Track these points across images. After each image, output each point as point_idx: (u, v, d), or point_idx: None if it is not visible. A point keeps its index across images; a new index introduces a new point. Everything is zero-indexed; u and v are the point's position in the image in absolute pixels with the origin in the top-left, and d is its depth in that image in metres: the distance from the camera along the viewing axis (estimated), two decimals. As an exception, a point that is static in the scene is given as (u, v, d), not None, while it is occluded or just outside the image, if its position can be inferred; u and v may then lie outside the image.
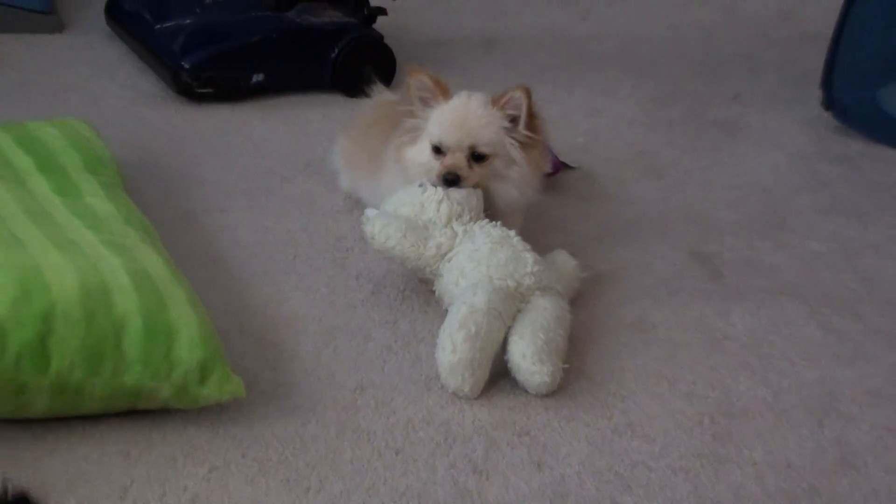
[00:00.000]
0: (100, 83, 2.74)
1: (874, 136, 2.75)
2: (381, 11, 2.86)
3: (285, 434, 1.71)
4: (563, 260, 2.08)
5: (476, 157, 2.07)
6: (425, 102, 2.11)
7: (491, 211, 2.09)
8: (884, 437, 1.82)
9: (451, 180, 2.05)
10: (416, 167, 2.11)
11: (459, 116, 2.08)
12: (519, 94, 2.07)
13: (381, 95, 2.45)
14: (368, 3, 2.86)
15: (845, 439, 1.82)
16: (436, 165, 2.08)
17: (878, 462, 1.77)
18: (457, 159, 2.07)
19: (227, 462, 1.64)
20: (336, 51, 2.77)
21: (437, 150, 2.08)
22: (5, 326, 1.56)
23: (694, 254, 2.28)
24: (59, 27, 2.98)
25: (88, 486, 1.55)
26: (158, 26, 2.78)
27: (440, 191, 2.03)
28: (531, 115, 2.09)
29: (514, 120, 2.08)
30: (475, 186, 2.07)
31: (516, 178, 2.11)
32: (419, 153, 2.11)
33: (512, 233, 2.00)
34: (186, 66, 2.68)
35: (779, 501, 1.68)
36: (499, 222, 2.04)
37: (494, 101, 2.08)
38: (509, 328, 1.87)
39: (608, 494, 1.66)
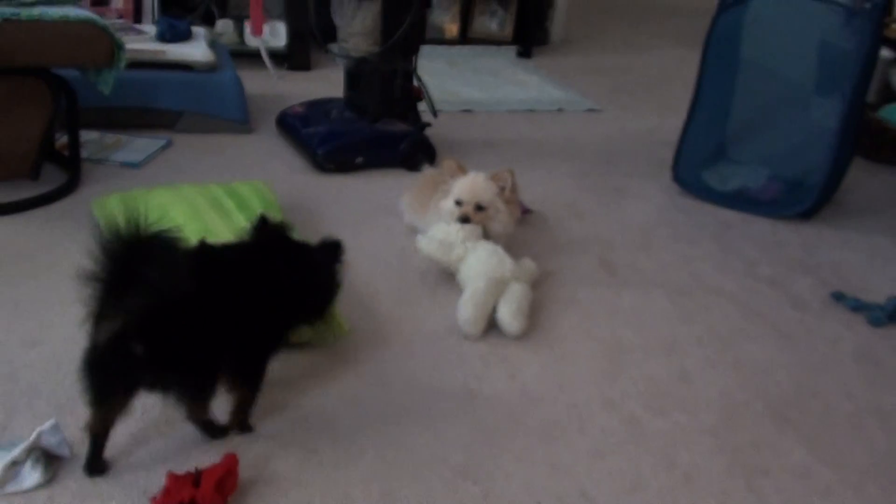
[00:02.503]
0: (272, 162, 2.74)
1: (700, 198, 2.74)
2: (428, 125, 2.86)
3: (372, 357, 1.71)
4: (528, 263, 2.06)
5: (478, 208, 2.07)
6: (452, 176, 2.12)
7: (486, 237, 2.07)
8: (705, 365, 1.81)
9: (464, 220, 2.05)
10: (445, 212, 2.11)
11: (470, 185, 2.08)
12: (507, 174, 2.08)
13: (427, 170, 2.44)
14: (420, 119, 2.86)
15: (684, 365, 1.80)
16: (456, 211, 2.08)
17: (703, 379, 1.76)
18: (468, 209, 2.06)
19: (341, 373, 1.65)
20: (403, 145, 2.76)
21: (457, 203, 2.08)
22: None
23: (601, 260, 2.26)
24: (250, 131, 2.98)
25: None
26: (304, 130, 2.78)
27: (458, 225, 2.03)
28: (513, 185, 2.10)
29: (502, 188, 2.09)
30: (477, 224, 2.06)
31: (501, 220, 2.10)
32: (447, 204, 2.11)
33: (499, 248, 1.99)
34: (320, 153, 2.67)
35: (645, 397, 1.67)
36: (490, 241, 2.03)
37: (492, 177, 2.09)
38: (497, 300, 1.86)
39: (550, 392, 1.65)
